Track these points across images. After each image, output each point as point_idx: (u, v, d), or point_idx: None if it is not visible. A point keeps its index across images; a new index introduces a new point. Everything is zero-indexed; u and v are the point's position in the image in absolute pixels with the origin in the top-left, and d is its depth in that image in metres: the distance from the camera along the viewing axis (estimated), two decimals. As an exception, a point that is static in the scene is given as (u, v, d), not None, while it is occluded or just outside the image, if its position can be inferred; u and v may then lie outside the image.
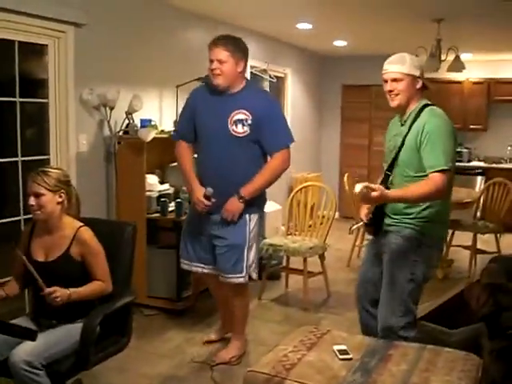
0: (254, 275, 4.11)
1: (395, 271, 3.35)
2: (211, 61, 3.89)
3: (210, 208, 3.91)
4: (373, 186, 3.02)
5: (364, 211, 3.49)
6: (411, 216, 3.31)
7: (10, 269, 3.33)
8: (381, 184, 3.31)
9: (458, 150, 9.33)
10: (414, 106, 3.34)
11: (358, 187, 2.98)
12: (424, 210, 3.30)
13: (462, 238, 6.82)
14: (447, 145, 3.19)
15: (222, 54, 3.84)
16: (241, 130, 3.87)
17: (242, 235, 4.00)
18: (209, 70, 3.94)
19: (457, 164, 3.35)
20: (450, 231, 6.78)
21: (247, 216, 4.00)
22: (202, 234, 4.10)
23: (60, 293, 2.95)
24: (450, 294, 4.33)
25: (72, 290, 3.02)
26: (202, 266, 4.17)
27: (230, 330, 4.47)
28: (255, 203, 4.03)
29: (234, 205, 3.91)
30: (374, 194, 2.99)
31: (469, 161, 9.69)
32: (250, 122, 3.86)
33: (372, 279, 3.57)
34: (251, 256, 4.04)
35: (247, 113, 3.86)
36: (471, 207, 6.70)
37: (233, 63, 3.86)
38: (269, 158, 4.06)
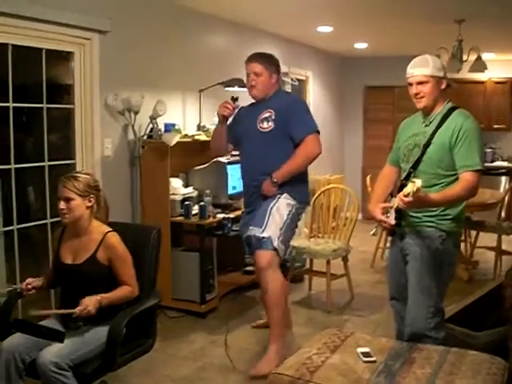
0: (281, 248, 4.11)
1: (421, 273, 3.33)
2: (248, 75, 4.24)
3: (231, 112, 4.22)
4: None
5: (378, 210, 3.39)
6: (433, 213, 3.31)
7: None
8: (403, 180, 3.35)
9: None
10: (440, 108, 3.39)
11: (411, 187, 2.92)
12: (446, 207, 3.30)
13: (487, 239, 6.78)
14: (481, 146, 3.25)
15: (257, 67, 4.20)
16: (266, 125, 4.17)
17: (266, 206, 4.13)
18: (247, 83, 4.31)
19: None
20: (475, 232, 6.81)
21: (277, 196, 4.16)
22: None
23: (90, 302, 2.98)
24: (475, 296, 4.29)
25: (102, 295, 3.05)
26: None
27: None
28: (290, 190, 4.17)
29: (266, 185, 4.15)
30: (421, 194, 2.98)
31: (492, 161, 9.58)
32: (273, 117, 4.15)
33: (400, 281, 3.55)
34: (275, 227, 4.08)
35: (271, 110, 4.18)
36: (495, 208, 6.63)
37: (267, 75, 4.21)
38: None
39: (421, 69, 3.33)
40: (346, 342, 3.16)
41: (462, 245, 6.82)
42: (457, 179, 3.23)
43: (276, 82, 4.29)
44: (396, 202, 3.11)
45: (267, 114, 4.17)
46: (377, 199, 3.56)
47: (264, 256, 4.03)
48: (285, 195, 4.15)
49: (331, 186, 6.49)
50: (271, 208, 4.11)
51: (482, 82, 9.52)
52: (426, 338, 3.29)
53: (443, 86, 3.37)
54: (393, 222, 3.27)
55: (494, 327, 3.69)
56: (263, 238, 4.02)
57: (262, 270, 4.06)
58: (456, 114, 3.32)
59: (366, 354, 2.94)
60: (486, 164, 8.80)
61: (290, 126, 4.13)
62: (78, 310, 2.96)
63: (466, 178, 3.18)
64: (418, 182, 2.92)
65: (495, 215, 6.72)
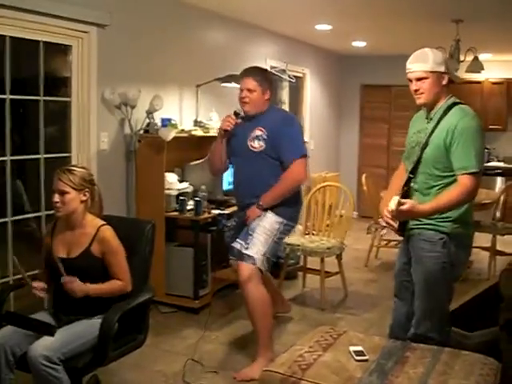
0: (263, 266, 4.11)
1: (424, 275, 3.28)
2: (241, 90, 4.20)
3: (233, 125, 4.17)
4: (403, 200, 2.95)
5: (387, 212, 3.20)
6: (433, 216, 3.19)
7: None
8: (404, 186, 3.26)
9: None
10: (441, 103, 3.25)
11: (393, 204, 2.90)
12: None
13: (482, 239, 6.75)
14: (479, 146, 3.12)
15: (251, 84, 4.15)
16: (257, 144, 4.12)
17: (254, 224, 4.13)
18: (239, 97, 4.23)
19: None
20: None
21: (267, 213, 4.13)
22: None
23: (78, 284, 3.01)
24: (469, 296, 4.29)
25: (91, 285, 3.07)
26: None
27: (281, 307, 5.09)
28: (279, 208, 4.13)
29: (252, 211, 4.15)
30: (404, 207, 2.92)
31: (488, 161, 9.57)
32: (265, 136, 4.10)
33: (402, 282, 3.53)
34: (260, 245, 4.08)
35: (263, 129, 4.12)
36: (490, 208, 6.66)
37: (260, 92, 4.17)
38: None
39: (420, 64, 3.20)
40: (339, 340, 3.15)
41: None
42: (455, 180, 3.12)
43: (269, 98, 4.25)
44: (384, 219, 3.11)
45: (259, 133, 4.11)
46: (389, 199, 3.24)
47: (246, 269, 4.04)
48: (273, 213, 4.12)
49: (326, 183, 6.48)
50: (257, 226, 4.10)
51: (479, 82, 9.55)
52: (429, 340, 3.24)
53: (444, 82, 3.24)
54: (395, 225, 3.21)
55: (488, 327, 3.69)
56: (247, 254, 4.05)
57: (244, 283, 4.07)
58: (454, 112, 3.18)
59: (358, 353, 2.94)
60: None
61: (279, 149, 4.09)
62: (67, 278, 3.00)
63: (463, 181, 3.06)
64: (393, 201, 2.91)
65: (490, 215, 6.73)
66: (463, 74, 7.23)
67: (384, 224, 3.26)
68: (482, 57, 7.26)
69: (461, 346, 3.27)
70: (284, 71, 8.02)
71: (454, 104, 3.24)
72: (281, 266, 5.67)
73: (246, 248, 4.05)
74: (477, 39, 6.80)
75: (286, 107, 8.27)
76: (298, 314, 5.30)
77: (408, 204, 2.94)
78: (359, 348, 2.99)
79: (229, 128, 4.18)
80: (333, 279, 5.78)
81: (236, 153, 4.28)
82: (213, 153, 4.41)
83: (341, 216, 5.87)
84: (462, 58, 6.67)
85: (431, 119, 3.27)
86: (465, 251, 3.37)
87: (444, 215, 3.18)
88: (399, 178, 3.47)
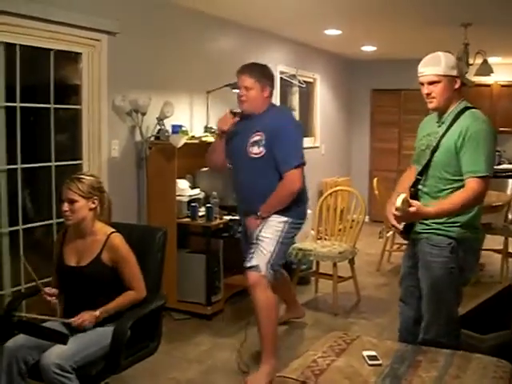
0: (269, 274, 4.06)
1: (432, 280, 3.26)
2: (239, 87, 4.08)
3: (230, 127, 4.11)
4: (411, 201, 2.92)
5: (391, 214, 3.18)
6: (441, 221, 3.18)
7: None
8: (412, 187, 3.25)
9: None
10: (453, 107, 3.23)
11: (399, 201, 2.84)
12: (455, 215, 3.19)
13: (494, 241, 6.73)
14: (490, 151, 3.09)
15: (247, 81, 4.02)
16: (257, 150, 4.00)
17: (259, 228, 4.08)
18: (237, 96, 4.12)
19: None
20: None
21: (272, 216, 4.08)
22: None
23: (88, 316, 3.01)
24: (481, 299, 4.26)
25: (101, 309, 3.05)
26: None
27: (295, 313, 5.15)
28: (284, 210, 4.06)
29: (250, 221, 4.13)
30: (411, 209, 2.88)
31: (499, 164, 9.53)
32: (264, 142, 3.97)
33: (408, 286, 3.52)
34: (264, 251, 4.04)
35: (262, 133, 3.99)
36: (502, 210, 6.63)
37: (258, 89, 4.03)
38: None
39: (432, 68, 3.17)
40: (352, 345, 3.15)
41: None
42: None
43: (269, 95, 4.11)
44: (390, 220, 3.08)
45: (257, 138, 3.98)
46: (394, 200, 3.36)
47: (252, 276, 4.01)
48: (275, 215, 4.05)
49: (338, 188, 6.47)
50: (259, 234, 4.05)
51: (489, 85, 9.52)
52: (439, 344, 3.21)
53: (457, 86, 3.21)
54: (400, 227, 3.19)
55: (501, 330, 3.66)
56: (251, 265, 4.02)
57: (251, 288, 4.04)
58: (466, 116, 3.16)
59: (371, 358, 2.93)
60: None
61: (275, 156, 3.96)
62: (73, 320, 2.98)
63: (470, 185, 3.03)
64: (400, 198, 2.84)
65: (502, 217, 6.71)
66: (472, 77, 7.21)
67: (392, 221, 3.18)
68: (491, 60, 7.24)
69: (474, 348, 3.24)
70: (294, 76, 8.03)
71: (466, 108, 3.22)
72: (293, 271, 5.66)
73: (250, 259, 4.02)
74: (485, 43, 6.77)
75: (296, 113, 8.27)
76: (311, 319, 5.28)
77: (415, 206, 2.91)
78: (372, 353, 2.98)
79: (226, 128, 4.12)
80: (345, 284, 5.76)
81: (235, 155, 4.18)
82: (211, 151, 4.36)
83: (352, 221, 5.86)
84: (471, 61, 6.66)
85: (443, 123, 3.25)
86: (474, 255, 3.36)
87: (452, 219, 3.16)
88: (407, 179, 3.46)
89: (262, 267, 3.97)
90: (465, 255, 3.23)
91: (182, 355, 4.45)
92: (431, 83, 3.18)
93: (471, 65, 6.70)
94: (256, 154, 3.99)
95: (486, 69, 6.95)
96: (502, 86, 9.57)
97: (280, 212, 4.05)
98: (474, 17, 6.00)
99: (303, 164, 4.03)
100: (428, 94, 3.21)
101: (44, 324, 3.12)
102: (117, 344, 2.99)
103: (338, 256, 5.48)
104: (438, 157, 3.20)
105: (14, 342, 2.96)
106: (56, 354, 2.84)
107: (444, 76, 3.16)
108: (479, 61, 6.88)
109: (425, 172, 3.26)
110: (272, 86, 4.14)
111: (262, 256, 3.99)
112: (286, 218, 4.07)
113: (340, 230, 6.06)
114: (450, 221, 3.17)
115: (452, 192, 3.15)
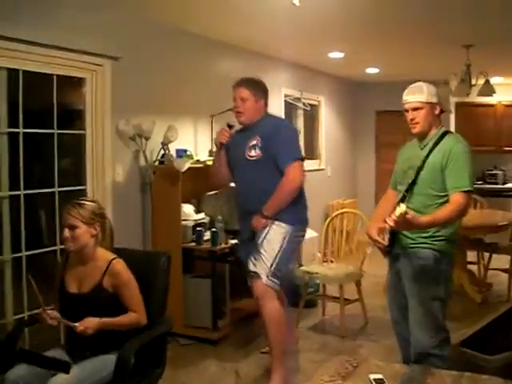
0: (271, 283, 4.10)
1: (420, 293, 3.46)
2: (235, 99, 4.26)
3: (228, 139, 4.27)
4: (408, 210, 3.07)
5: (374, 230, 3.49)
6: (427, 235, 3.42)
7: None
8: (399, 202, 3.39)
9: (493, 172, 9.54)
10: (434, 131, 3.53)
11: (399, 211, 3.00)
12: (439, 229, 3.40)
13: (500, 261, 6.72)
14: (471, 169, 3.38)
15: (244, 92, 4.21)
16: (254, 153, 4.17)
17: (258, 239, 4.15)
18: (233, 109, 4.31)
19: (492, 186, 3.48)
20: (487, 254, 6.85)
21: (269, 225, 4.14)
22: None
23: (91, 323, 2.95)
24: (489, 319, 4.26)
25: (104, 319, 3.00)
26: None
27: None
28: (282, 215, 4.12)
29: (256, 221, 4.15)
30: (408, 216, 3.04)
31: (504, 183, 9.55)
32: (260, 145, 4.14)
33: (401, 304, 3.65)
34: (266, 261, 4.10)
35: (258, 137, 4.17)
36: (507, 230, 6.60)
37: (253, 100, 4.22)
38: None
39: (416, 95, 3.49)
40: (359, 368, 3.10)
41: (475, 267, 6.91)
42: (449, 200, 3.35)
43: (263, 106, 4.29)
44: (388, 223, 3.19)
45: (254, 142, 4.15)
46: (375, 219, 3.64)
47: (258, 286, 4.09)
48: (276, 223, 4.12)
49: (344, 210, 6.47)
50: (262, 241, 4.11)
51: (492, 105, 9.54)
52: (432, 356, 3.43)
53: (437, 112, 3.52)
54: (386, 242, 3.40)
55: (508, 350, 3.64)
56: (254, 272, 4.08)
57: (258, 300, 4.12)
58: (448, 138, 3.48)
59: (378, 381, 2.88)
60: (498, 186, 8.97)
61: (275, 154, 4.11)
62: (78, 324, 2.93)
63: (456, 199, 3.31)
64: (403, 207, 3.02)
65: (507, 237, 6.69)
66: (475, 97, 7.27)
67: (374, 237, 3.46)
68: (493, 80, 7.31)
69: (480, 369, 3.22)
70: (299, 99, 8.05)
71: (446, 132, 3.55)
72: (300, 295, 5.62)
73: (254, 265, 4.09)
74: (487, 63, 6.84)
75: (301, 135, 8.28)
76: (318, 343, 5.23)
77: (411, 214, 3.07)
78: (379, 376, 2.94)
79: (224, 140, 4.26)
80: (352, 306, 5.71)
81: (235, 163, 4.33)
82: (214, 166, 4.50)
83: (359, 242, 5.83)
84: (473, 81, 6.74)
85: (425, 145, 3.53)
86: (452, 269, 3.62)
87: (437, 234, 3.43)
88: (386, 201, 3.79)
89: (263, 275, 4.06)
90: (447, 267, 3.51)
91: (188, 381, 4.40)
92: (415, 109, 3.50)
93: (474, 85, 6.78)
94: (253, 156, 4.16)
95: (488, 89, 7.04)
96: (506, 105, 9.60)
97: (282, 219, 4.11)
98: (476, 38, 6.05)
99: (302, 159, 4.20)
100: (412, 120, 3.52)
101: (46, 353, 3.07)
102: (120, 372, 2.93)
103: (344, 278, 5.45)
104: (423, 175, 3.46)
105: (16, 372, 2.89)
106: (59, 383, 2.79)
107: (426, 103, 3.49)
108: (481, 81, 6.95)
109: (410, 190, 3.50)
110: (266, 99, 4.34)
111: (263, 266, 4.08)
112: (285, 226, 4.14)
113: (346, 251, 6.02)
114: (434, 234, 3.42)
115: (437, 207, 3.39)
